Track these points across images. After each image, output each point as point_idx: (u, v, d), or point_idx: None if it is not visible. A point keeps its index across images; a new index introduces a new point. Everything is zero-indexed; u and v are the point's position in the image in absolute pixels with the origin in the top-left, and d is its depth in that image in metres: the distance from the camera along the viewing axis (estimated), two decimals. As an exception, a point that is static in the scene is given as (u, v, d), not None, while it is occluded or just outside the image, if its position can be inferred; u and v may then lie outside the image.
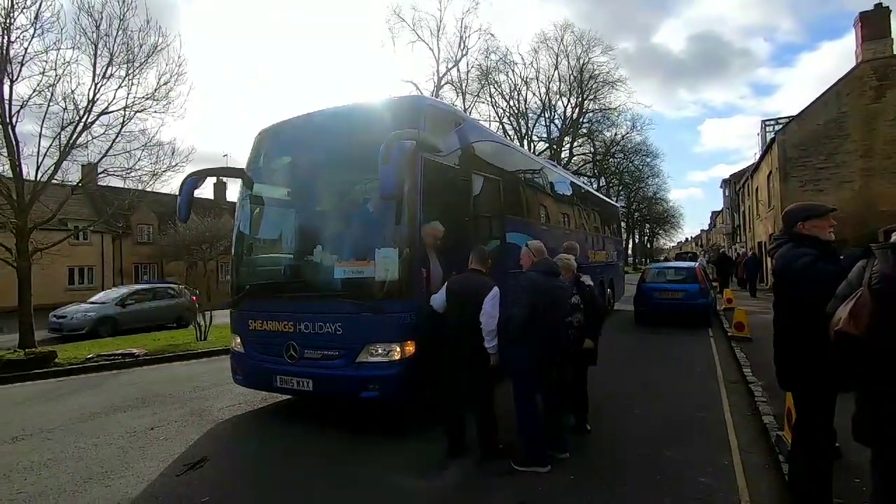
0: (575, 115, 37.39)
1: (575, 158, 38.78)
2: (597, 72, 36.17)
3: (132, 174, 11.56)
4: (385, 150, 3.96)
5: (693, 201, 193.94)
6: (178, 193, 5.47)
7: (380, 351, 4.44)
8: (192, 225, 33.56)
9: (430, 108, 5.18)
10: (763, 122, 27.89)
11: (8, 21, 9.71)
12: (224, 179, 35.52)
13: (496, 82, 35.95)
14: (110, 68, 11.00)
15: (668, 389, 5.92)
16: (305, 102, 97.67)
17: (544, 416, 3.82)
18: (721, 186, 44.94)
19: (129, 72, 11.23)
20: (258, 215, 5.64)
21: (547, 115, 38.40)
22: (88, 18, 10.83)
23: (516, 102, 37.05)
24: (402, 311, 4.41)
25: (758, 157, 24.29)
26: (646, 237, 63.03)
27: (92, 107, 10.92)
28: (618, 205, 24.25)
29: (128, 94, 11.09)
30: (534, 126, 38.11)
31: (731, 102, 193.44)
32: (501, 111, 36.75)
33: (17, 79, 10.10)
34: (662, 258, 54.38)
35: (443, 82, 31.51)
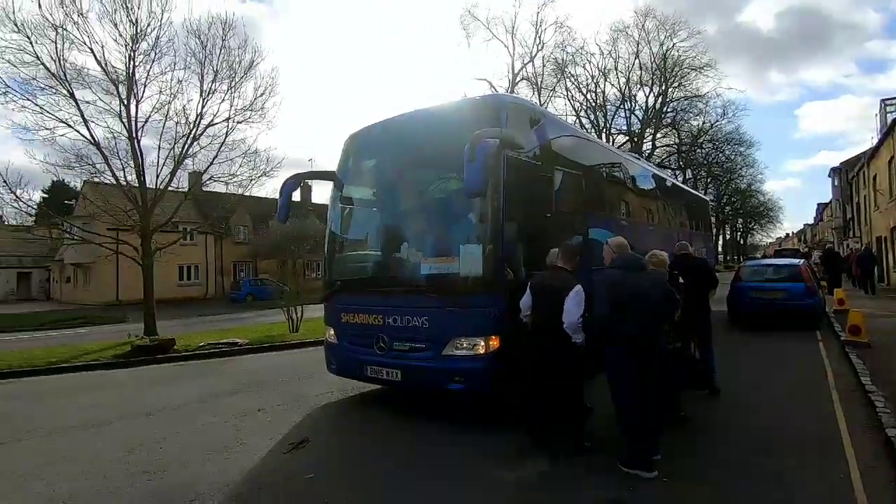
0: (658, 105, 35.40)
1: (658, 150, 36.70)
2: (682, 57, 33.98)
3: (234, 180, 12.69)
4: (470, 149, 4.07)
5: (792, 193, 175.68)
6: (278, 196, 5.96)
7: (465, 345, 4.57)
8: (283, 225, 36.20)
9: (511, 106, 5.23)
10: (883, 101, 24.63)
11: (133, 48, 11.06)
12: (310, 183, 37.53)
13: (572, 76, 34.93)
14: (214, 84, 12.15)
15: (773, 394, 5.51)
16: (383, 105, 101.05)
17: (644, 416, 3.68)
18: (829, 175, 40.38)
19: (231, 86, 12.35)
20: (348, 215, 6.00)
21: (627, 107, 36.70)
22: (196, 41, 12.04)
23: (594, 95, 35.79)
24: (486, 307, 4.51)
25: (876, 140, 21.61)
26: (738, 233, 58.27)
27: (200, 120, 12.14)
28: (707, 198, 22.68)
29: (230, 106, 12.17)
30: (612, 118, 36.60)
31: (836, 82, 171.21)
32: (578, 105, 35.66)
33: (141, 99, 11.47)
34: (760, 255, 49.97)
35: (518, 79, 31.20)
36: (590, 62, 35.47)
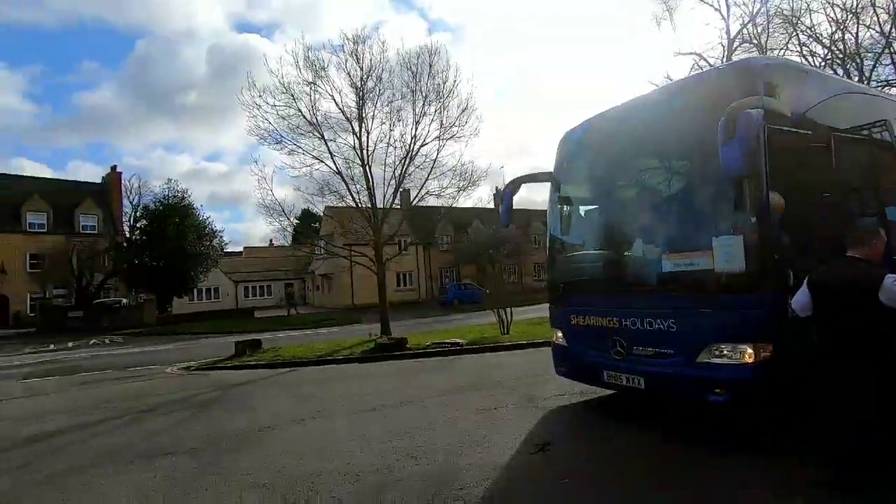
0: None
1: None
2: None
3: (445, 192, 13.80)
4: (726, 124, 3.53)
5: None
6: (500, 202, 6.17)
7: (726, 351, 3.96)
8: (480, 232, 38.24)
9: (769, 68, 4.40)
10: None
11: (362, 88, 12.98)
12: (500, 188, 38.48)
13: (807, 28, 28.62)
14: (424, 107, 13.44)
15: None
16: (576, 103, 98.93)
17: None
18: None
19: (438, 108, 13.49)
20: (571, 214, 5.85)
21: (893, 50, 28.38)
22: (408, 71, 13.50)
23: (841, 44, 28.66)
24: (753, 308, 3.83)
25: None
26: None
27: (414, 143, 13.55)
28: None
29: (440, 125, 13.31)
30: (872, 68, 28.71)
31: None
32: (820, 61, 28.99)
33: (370, 130, 13.38)
34: None
35: (735, 44, 26.98)
36: (832, 4, 28.55)
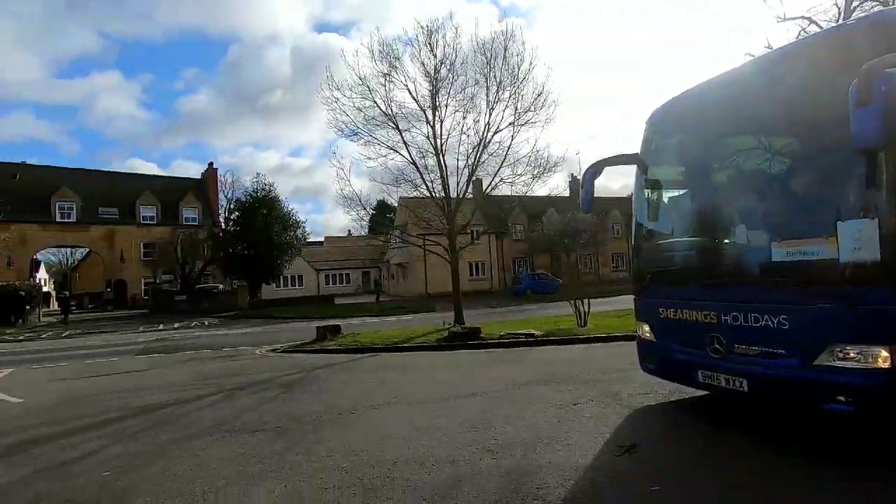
0: None
1: None
2: None
3: (519, 179, 13.46)
4: (861, 87, 2.99)
5: None
6: (580, 187, 5.81)
7: (853, 354, 3.42)
8: (555, 221, 37.22)
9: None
10: None
11: (435, 77, 12.93)
12: (577, 175, 37.04)
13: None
14: (498, 93, 13.12)
15: None
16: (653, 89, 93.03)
17: None
18: None
19: (512, 94, 13.11)
20: (659, 199, 5.38)
21: None
22: (482, 56, 13.24)
23: None
24: (891, 304, 3.26)
25: None
26: None
27: (487, 130, 13.30)
28: None
29: (515, 111, 12.95)
30: None
31: None
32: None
33: (444, 118, 13.32)
34: None
35: (853, 3, 23.80)
36: None
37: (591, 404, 5.40)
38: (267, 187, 34.40)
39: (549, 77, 18.08)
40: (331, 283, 50.16)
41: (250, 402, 6.58)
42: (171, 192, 43.27)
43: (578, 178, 13.26)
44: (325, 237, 63.22)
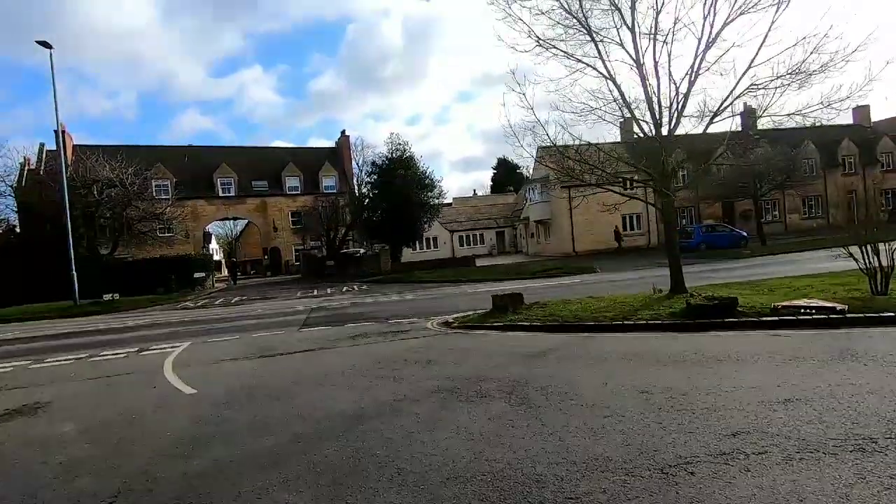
0: None
1: None
2: None
3: (809, 111, 9.43)
4: None
5: None
6: None
7: None
8: (727, 169, 30.72)
9: None
10: None
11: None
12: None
13: None
14: None
15: None
16: None
17: None
18: None
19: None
20: None
21: None
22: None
23: None
24: None
25: None
26: None
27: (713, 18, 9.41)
28: None
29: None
30: None
31: None
32: None
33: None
34: None
35: None
36: None
37: None
38: (402, 146, 33.27)
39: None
40: (465, 244, 48.91)
41: (489, 427, 4.18)
42: (309, 162, 44.92)
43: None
44: (454, 198, 62.07)
